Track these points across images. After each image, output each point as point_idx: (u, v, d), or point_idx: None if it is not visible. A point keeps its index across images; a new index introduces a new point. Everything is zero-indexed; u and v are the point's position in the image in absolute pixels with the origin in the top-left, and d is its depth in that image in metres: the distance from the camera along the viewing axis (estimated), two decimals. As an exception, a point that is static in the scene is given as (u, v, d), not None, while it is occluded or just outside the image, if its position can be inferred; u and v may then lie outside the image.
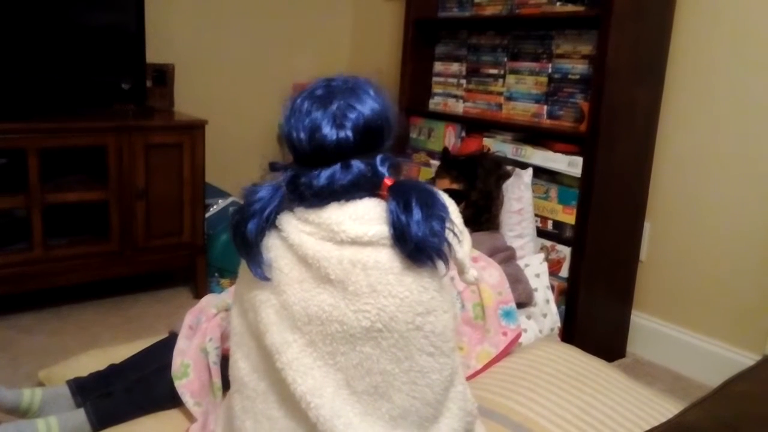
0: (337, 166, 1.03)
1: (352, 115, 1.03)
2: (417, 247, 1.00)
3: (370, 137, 1.05)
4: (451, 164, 2.19)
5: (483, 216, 2.10)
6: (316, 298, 1.02)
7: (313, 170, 1.03)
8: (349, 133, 1.02)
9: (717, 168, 2.18)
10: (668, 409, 1.53)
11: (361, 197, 1.05)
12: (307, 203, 1.05)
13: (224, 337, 1.48)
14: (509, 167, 2.27)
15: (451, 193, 2.06)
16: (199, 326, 1.51)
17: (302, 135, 1.03)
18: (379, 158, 1.06)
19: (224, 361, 1.43)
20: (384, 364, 1.02)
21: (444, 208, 1.04)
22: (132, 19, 2.54)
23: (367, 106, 1.04)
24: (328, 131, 1.02)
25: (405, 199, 1.01)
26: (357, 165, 1.03)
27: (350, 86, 1.06)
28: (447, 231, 1.03)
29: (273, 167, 1.10)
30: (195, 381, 1.42)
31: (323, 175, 1.02)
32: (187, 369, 1.43)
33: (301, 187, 1.04)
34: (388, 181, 1.05)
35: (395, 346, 1.02)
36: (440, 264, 1.03)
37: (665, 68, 2.26)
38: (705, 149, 2.21)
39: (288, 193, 1.05)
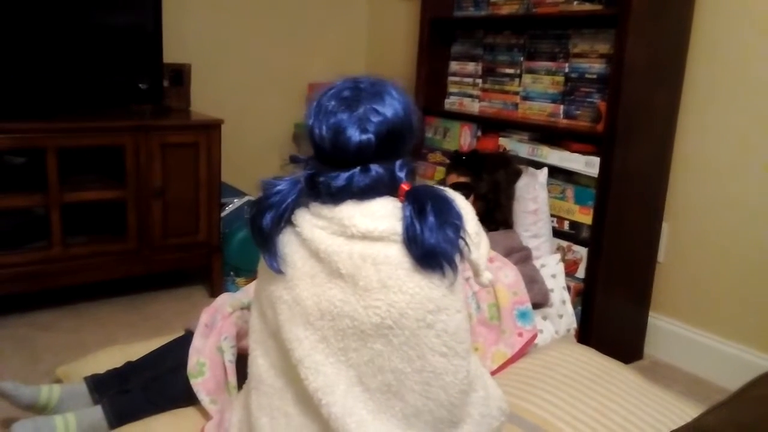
0: (357, 170, 1.03)
1: (376, 119, 1.03)
2: (428, 253, 1.00)
3: (391, 142, 1.05)
4: (458, 161, 2.21)
5: (495, 212, 2.10)
6: (327, 293, 1.03)
7: (332, 170, 1.04)
8: (372, 137, 1.03)
9: (736, 168, 2.15)
10: (686, 412, 1.51)
11: (376, 197, 1.05)
12: (322, 200, 1.06)
13: (239, 335, 1.49)
14: (521, 166, 2.26)
15: (459, 186, 2.08)
16: (214, 325, 1.52)
17: (325, 134, 1.04)
18: (398, 163, 1.07)
19: (240, 359, 1.44)
20: (395, 362, 1.02)
21: (458, 216, 1.04)
22: (149, 20, 2.56)
23: (392, 111, 1.05)
24: (352, 134, 1.02)
25: (420, 204, 1.02)
26: (375, 169, 1.04)
27: (377, 90, 1.06)
28: (460, 240, 1.03)
29: (293, 159, 1.11)
30: (210, 379, 1.42)
31: (342, 177, 1.03)
32: (203, 367, 1.43)
33: (319, 185, 1.05)
34: (405, 187, 1.05)
35: (406, 344, 1.02)
36: (449, 272, 1.03)
37: (684, 67, 2.23)
38: (724, 149, 2.18)
39: (306, 189, 1.06)
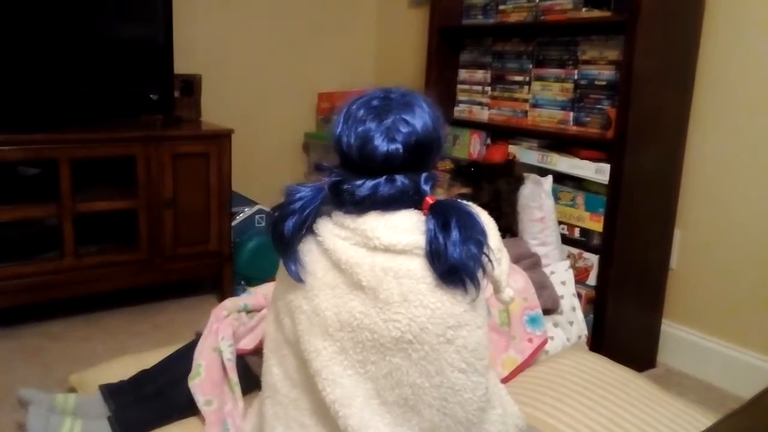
0: (382, 179, 1.02)
1: (405, 130, 1.02)
2: (451, 269, 0.99)
3: (419, 154, 1.04)
4: (458, 173, 2.24)
5: (499, 220, 2.10)
6: (347, 305, 1.02)
7: (357, 179, 1.03)
8: (400, 147, 1.02)
9: (749, 174, 2.14)
10: (701, 420, 1.50)
11: (400, 209, 1.04)
12: (346, 209, 1.05)
13: (236, 336, 1.51)
14: (525, 174, 2.25)
15: (460, 197, 2.08)
16: (210, 328, 1.53)
17: (353, 141, 1.03)
18: (424, 176, 1.06)
19: (238, 359, 1.46)
20: (414, 377, 1.01)
21: (482, 232, 1.03)
22: (160, 32, 2.58)
23: (421, 123, 1.04)
24: (379, 143, 1.01)
25: (444, 219, 1.00)
26: (401, 179, 1.03)
27: (407, 101, 1.05)
28: (483, 256, 1.02)
29: (318, 167, 1.10)
30: (206, 380, 1.44)
31: (367, 186, 1.02)
32: (199, 369, 1.45)
33: (343, 193, 1.04)
34: (429, 200, 1.04)
35: (425, 359, 1.01)
36: (471, 288, 1.01)
37: (694, 72, 2.22)
38: (736, 154, 2.16)
39: (330, 196, 1.06)
